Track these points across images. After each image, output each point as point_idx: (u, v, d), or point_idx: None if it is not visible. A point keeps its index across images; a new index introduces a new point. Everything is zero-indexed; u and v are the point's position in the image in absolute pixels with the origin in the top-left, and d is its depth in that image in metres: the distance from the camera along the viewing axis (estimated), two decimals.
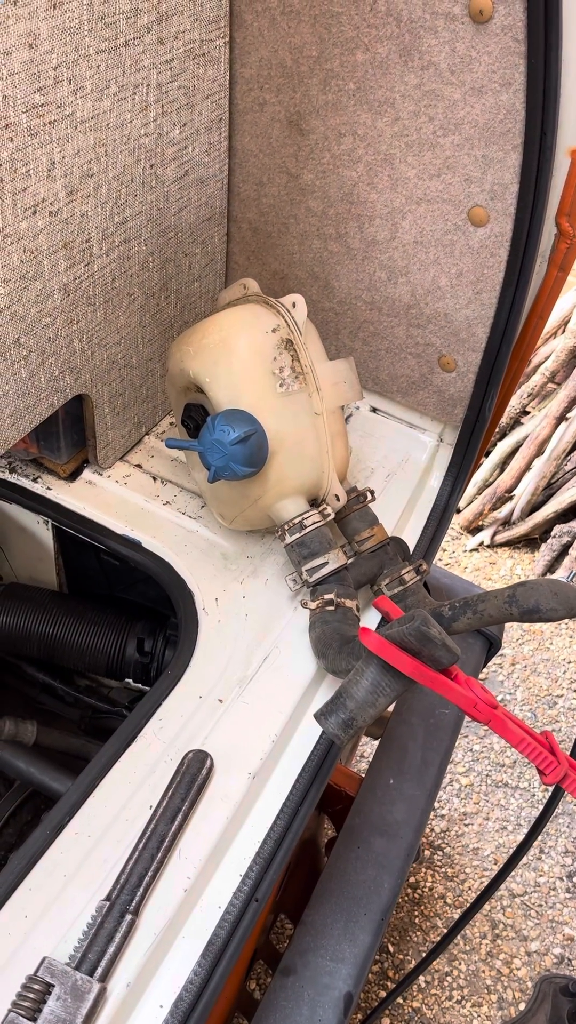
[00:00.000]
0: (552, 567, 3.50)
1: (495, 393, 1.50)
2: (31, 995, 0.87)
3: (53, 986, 0.88)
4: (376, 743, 1.94)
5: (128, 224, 1.32)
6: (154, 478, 1.53)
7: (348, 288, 1.58)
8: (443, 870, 2.59)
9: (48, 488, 1.47)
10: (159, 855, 1.01)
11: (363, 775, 1.55)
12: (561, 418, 3.50)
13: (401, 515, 1.52)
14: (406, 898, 2.52)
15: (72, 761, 1.45)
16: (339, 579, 1.28)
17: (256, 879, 1.03)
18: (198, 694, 1.20)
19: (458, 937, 2.43)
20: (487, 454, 3.74)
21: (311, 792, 1.12)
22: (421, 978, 2.37)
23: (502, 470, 3.72)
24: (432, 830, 2.68)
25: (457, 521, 3.76)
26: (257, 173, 1.55)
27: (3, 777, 1.43)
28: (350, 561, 1.32)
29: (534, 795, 2.79)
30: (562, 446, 3.46)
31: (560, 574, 3.45)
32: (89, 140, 1.16)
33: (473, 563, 3.62)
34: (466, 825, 2.71)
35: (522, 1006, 2.33)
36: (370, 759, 1.62)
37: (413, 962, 2.39)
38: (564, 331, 3.54)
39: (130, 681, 1.52)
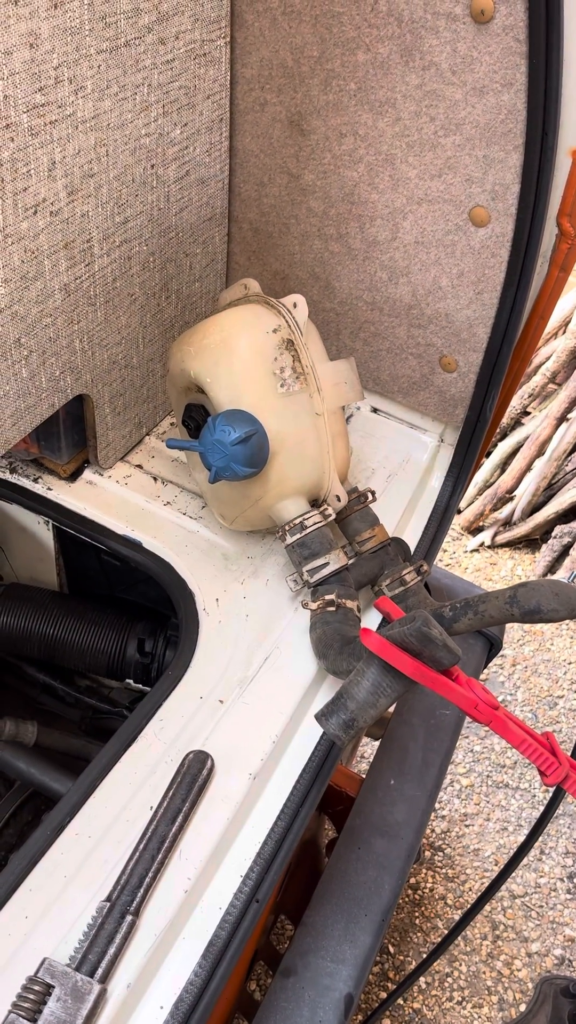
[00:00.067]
0: (553, 568, 3.50)
1: (496, 394, 1.50)
2: (31, 996, 0.87)
3: (53, 987, 0.88)
4: (377, 744, 1.94)
5: (129, 224, 1.31)
6: (155, 478, 1.53)
7: (349, 288, 1.58)
8: (444, 871, 2.59)
9: (49, 488, 1.46)
10: (160, 856, 1.01)
11: (364, 776, 1.55)
12: (562, 419, 3.49)
13: (402, 516, 1.52)
14: (407, 899, 2.52)
15: (73, 762, 1.45)
16: (340, 580, 1.27)
17: (257, 880, 1.03)
18: (199, 695, 1.20)
19: (459, 938, 2.43)
20: (488, 455, 3.74)
21: (312, 793, 1.12)
22: (422, 979, 2.36)
23: (503, 471, 3.72)
24: (433, 831, 2.68)
25: (458, 522, 3.76)
26: (258, 173, 1.54)
27: (4, 778, 1.43)
28: (351, 562, 1.32)
29: (535, 796, 2.79)
30: (563, 447, 3.46)
31: (561, 575, 3.45)
32: (90, 140, 1.16)
33: (474, 564, 3.62)
34: (467, 826, 2.70)
35: (523, 1007, 2.33)
36: (371, 760, 1.62)
37: (414, 963, 2.39)
38: (565, 331, 3.54)
39: (131, 682, 1.52)
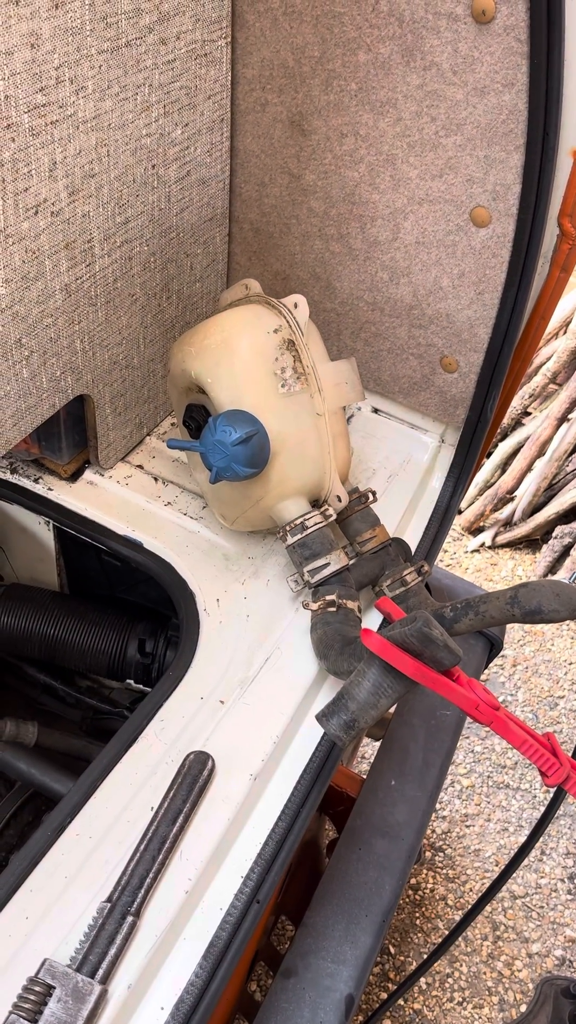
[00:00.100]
0: (553, 568, 3.50)
1: (497, 394, 1.50)
2: (32, 997, 0.87)
3: (54, 988, 0.88)
4: (377, 744, 1.94)
5: (130, 224, 1.31)
6: (155, 479, 1.53)
7: (350, 289, 1.58)
8: (444, 872, 2.59)
9: (49, 489, 1.46)
10: (160, 856, 1.01)
11: (364, 776, 1.55)
12: (563, 419, 3.49)
13: (403, 516, 1.52)
14: (407, 900, 2.52)
15: (73, 762, 1.45)
16: (341, 580, 1.27)
17: (257, 881, 1.02)
18: (199, 695, 1.20)
19: (459, 939, 2.43)
20: (488, 455, 3.74)
21: (312, 793, 1.12)
22: (422, 980, 2.36)
23: (503, 471, 3.72)
24: (433, 831, 2.68)
25: (458, 522, 3.76)
26: (259, 173, 1.54)
27: (4, 778, 1.43)
28: (352, 562, 1.32)
29: (535, 797, 2.79)
30: (563, 447, 3.46)
31: (561, 575, 3.45)
32: (91, 140, 1.16)
33: (474, 564, 3.62)
34: (467, 826, 2.70)
35: (523, 1008, 2.32)
36: (371, 760, 1.62)
37: (414, 964, 2.39)
38: (566, 332, 3.54)
39: (131, 682, 1.52)
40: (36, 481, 1.47)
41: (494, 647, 1.79)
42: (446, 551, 3.68)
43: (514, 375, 1.54)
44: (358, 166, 1.43)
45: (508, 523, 3.65)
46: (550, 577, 3.50)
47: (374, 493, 1.40)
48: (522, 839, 2.68)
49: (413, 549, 1.46)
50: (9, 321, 1.14)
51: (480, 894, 1.81)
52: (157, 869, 1.00)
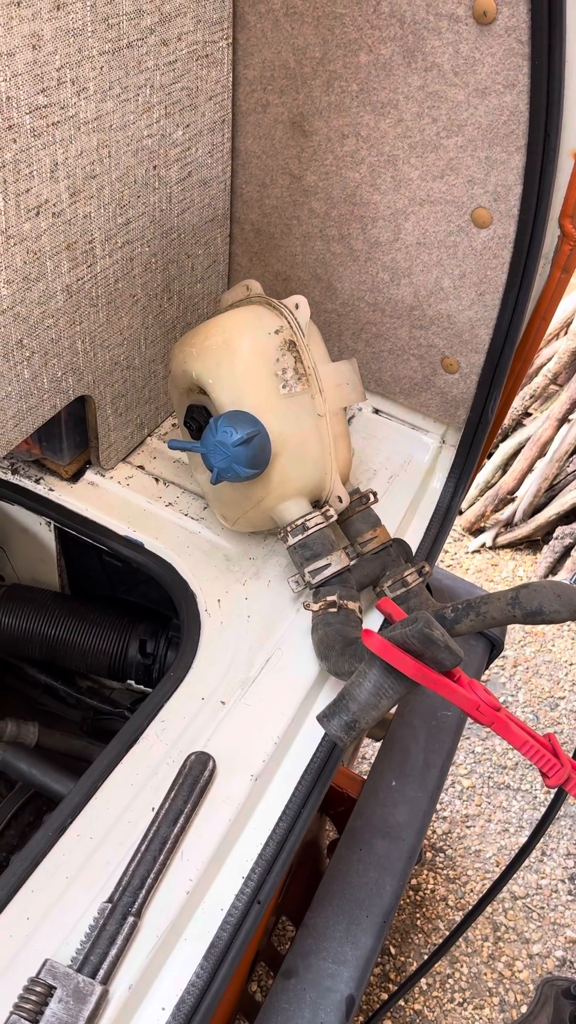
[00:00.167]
0: (554, 569, 3.50)
1: (498, 395, 1.50)
2: (33, 997, 0.87)
3: (55, 988, 0.88)
4: (378, 745, 1.94)
5: (131, 225, 1.32)
6: (156, 479, 1.53)
7: (351, 289, 1.58)
8: (445, 872, 2.59)
9: (50, 489, 1.47)
10: (161, 857, 1.01)
11: (365, 777, 1.55)
12: (563, 420, 3.49)
13: (403, 517, 1.52)
14: (408, 900, 2.52)
15: (74, 763, 1.45)
16: (342, 581, 1.27)
17: (258, 881, 1.03)
18: (200, 696, 1.20)
19: (460, 939, 2.43)
20: (489, 456, 3.74)
21: (313, 794, 1.12)
22: (423, 980, 2.36)
23: (504, 472, 3.71)
24: (434, 832, 2.68)
25: (459, 523, 3.76)
26: (260, 174, 1.55)
27: (5, 779, 1.43)
28: (353, 563, 1.32)
29: (536, 797, 2.78)
30: (564, 448, 3.46)
31: (562, 576, 3.45)
32: (92, 141, 1.16)
33: (475, 565, 3.62)
34: (468, 827, 2.70)
35: (524, 1009, 2.32)
36: (372, 761, 1.62)
37: (415, 964, 2.39)
38: (567, 333, 3.54)
39: (132, 682, 1.52)
40: (37, 482, 1.47)
41: (495, 648, 1.79)
42: (447, 552, 3.68)
43: (515, 376, 1.54)
44: (359, 167, 1.43)
45: (509, 524, 3.65)
46: (551, 578, 3.50)
47: (375, 494, 1.40)
48: (523, 840, 2.67)
49: (414, 550, 1.46)
50: (10, 322, 1.14)
51: (481, 895, 1.81)
52: (158, 870, 1.00)
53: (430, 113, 1.31)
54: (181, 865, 1.02)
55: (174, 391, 1.40)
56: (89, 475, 1.50)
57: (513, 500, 3.67)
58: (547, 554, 3.50)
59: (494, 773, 2.84)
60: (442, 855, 2.63)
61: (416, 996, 2.34)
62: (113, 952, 0.92)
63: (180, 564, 1.38)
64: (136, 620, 1.52)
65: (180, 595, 1.34)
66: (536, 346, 1.52)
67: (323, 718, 1.01)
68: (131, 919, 0.95)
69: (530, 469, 3.60)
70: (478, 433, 1.55)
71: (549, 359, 3.56)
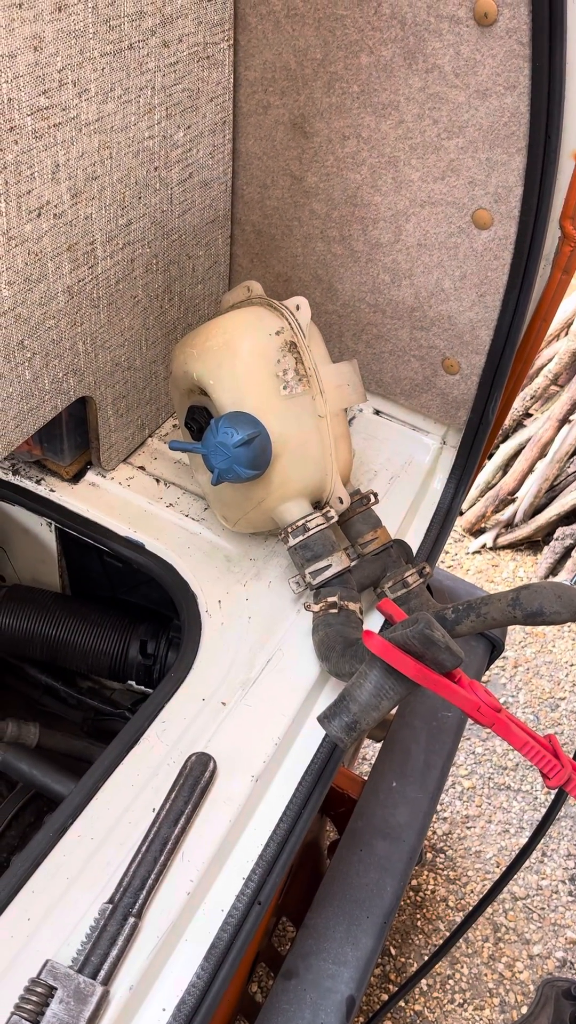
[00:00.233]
0: (555, 570, 3.50)
1: (498, 396, 1.50)
2: (34, 998, 0.87)
3: (56, 989, 0.88)
4: (379, 746, 1.94)
5: (132, 226, 1.32)
6: (157, 480, 1.53)
7: (352, 291, 1.58)
8: (445, 873, 2.59)
9: (51, 490, 1.47)
10: (162, 858, 1.01)
11: (365, 778, 1.55)
12: (564, 420, 3.49)
13: (404, 518, 1.52)
14: (408, 901, 2.52)
15: (75, 763, 1.45)
16: (342, 582, 1.28)
17: (259, 882, 1.03)
18: (201, 696, 1.20)
19: (460, 940, 2.43)
20: (490, 456, 3.74)
21: (314, 795, 1.12)
22: (423, 981, 2.36)
23: (505, 472, 3.72)
24: (434, 833, 2.68)
25: (460, 523, 3.76)
26: (261, 176, 1.55)
27: (6, 779, 1.43)
28: (353, 564, 1.32)
29: (536, 798, 2.78)
30: (565, 448, 3.46)
31: (563, 577, 3.45)
32: (94, 143, 1.16)
33: (476, 565, 3.62)
34: (468, 828, 2.70)
35: (524, 1010, 2.32)
36: (372, 762, 1.62)
37: (415, 965, 2.39)
38: (567, 333, 3.54)
39: (133, 683, 1.52)
40: (38, 482, 1.47)
41: (495, 649, 1.79)
42: (447, 552, 3.69)
43: (516, 377, 1.54)
44: (360, 168, 1.43)
45: (509, 524, 3.65)
46: (551, 579, 3.50)
47: (376, 495, 1.40)
48: (523, 841, 2.67)
49: (415, 551, 1.46)
50: (12, 323, 1.15)
51: (481, 896, 1.81)
52: (159, 870, 1.00)
53: (431, 115, 1.31)
54: (182, 866, 1.02)
55: (175, 392, 1.40)
56: (90, 476, 1.50)
57: (514, 501, 3.67)
58: (548, 555, 3.50)
59: (494, 774, 2.84)
60: (442, 856, 2.63)
61: (416, 997, 2.34)
62: (114, 953, 0.92)
63: (181, 565, 1.38)
64: (137, 621, 1.52)
65: (181, 596, 1.34)
66: (537, 347, 1.52)
67: (324, 719, 1.01)
68: (132, 920, 0.95)
69: (531, 470, 3.60)
70: (479, 434, 1.56)
71: (550, 360, 3.56)
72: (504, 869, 1.28)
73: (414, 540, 1.49)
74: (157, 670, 1.50)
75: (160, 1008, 0.92)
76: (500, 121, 1.26)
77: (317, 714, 1.12)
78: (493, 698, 0.96)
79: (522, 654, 3.23)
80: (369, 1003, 2.29)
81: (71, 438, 1.45)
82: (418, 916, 2.49)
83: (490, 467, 3.74)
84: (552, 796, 2.74)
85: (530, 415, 3.71)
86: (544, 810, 2.60)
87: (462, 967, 2.40)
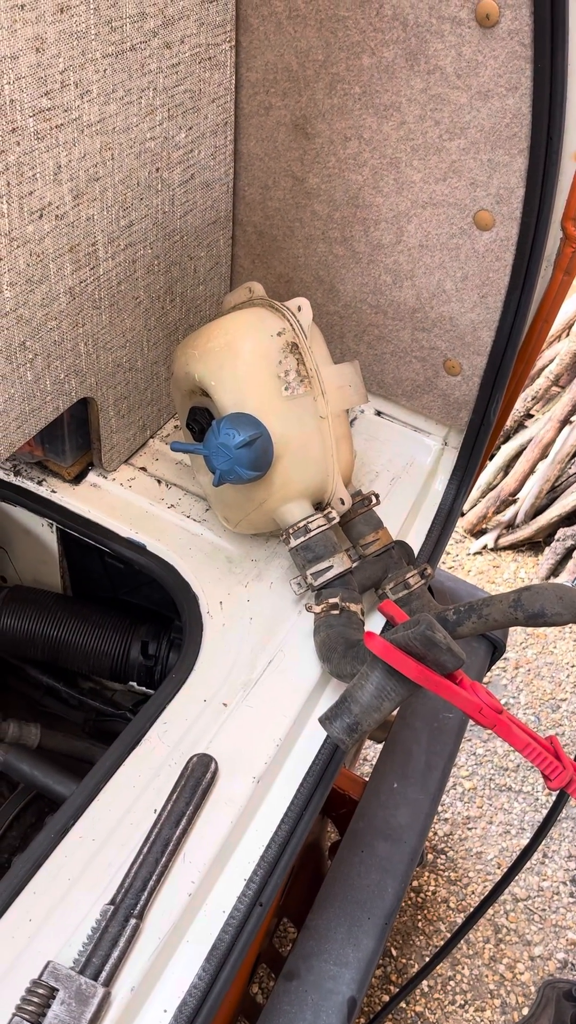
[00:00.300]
0: (556, 571, 3.50)
1: (500, 397, 1.50)
2: (35, 999, 0.87)
3: (57, 990, 0.88)
4: (380, 747, 1.94)
5: (134, 228, 1.32)
6: (159, 481, 1.53)
7: (353, 292, 1.58)
8: (446, 874, 2.59)
9: (53, 491, 1.47)
10: (163, 859, 1.01)
11: (367, 779, 1.55)
12: (565, 421, 3.49)
13: (406, 519, 1.52)
14: (409, 902, 2.51)
15: (76, 764, 1.45)
16: (344, 583, 1.27)
17: (260, 883, 1.03)
18: (202, 697, 1.20)
19: (461, 941, 2.43)
20: (491, 457, 3.74)
21: (315, 796, 1.12)
22: (424, 982, 2.36)
23: (506, 473, 3.71)
24: (435, 834, 2.68)
25: (461, 524, 3.76)
26: (262, 177, 1.55)
27: (7, 780, 1.43)
28: (355, 565, 1.32)
29: (537, 799, 2.78)
30: (566, 449, 3.46)
31: (564, 578, 3.44)
32: (95, 144, 1.16)
33: (477, 566, 3.62)
34: (469, 829, 2.70)
35: (525, 1011, 2.32)
36: (374, 763, 1.62)
37: (416, 966, 2.39)
38: (568, 334, 3.54)
39: (134, 684, 1.52)
40: (40, 483, 1.48)
41: (496, 650, 1.79)
42: (448, 553, 3.68)
43: (517, 378, 1.54)
44: (362, 169, 1.43)
45: (511, 525, 3.65)
46: (553, 580, 3.50)
47: (377, 496, 1.40)
48: (524, 842, 2.67)
49: (416, 552, 1.46)
50: (13, 324, 1.15)
51: (482, 897, 1.81)
52: (160, 872, 1.00)
53: (432, 116, 1.31)
54: (183, 867, 1.02)
55: (176, 393, 1.40)
56: (91, 477, 1.50)
57: (515, 502, 3.67)
58: (549, 556, 3.50)
59: (495, 775, 2.84)
60: (443, 857, 2.63)
61: (417, 998, 2.34)
62: (115, 954, 0.92)
63: (182, 566, 1.38)
64: (138, 622, 1.52)
65: (182, 597, 1.34)
66: (538, 348, 1.52)
67: (325, 720, 1.01)
68: (133, 921, 0.95)
69: (532, 471, 3.60)
70: (480, 435, 1.56)
71: (551, 361, 3.56)
72: (505, 870, 1.28)
73: (415, 541, 1.49)
74: (158, 671, 1.50)
75: (161, 1009, 0.92)
76: (502, 122, 1.26)
77: (318, 715, 1.12)
78: (494, 699, 0.96)
79: (523, 655, 3.23)
80: (370, 1004, 2.29)
81: (73, 439, 1.45)
82: (419, 917, 2.49)
83: (491, 468, 3.74)
84: (553, 797, 2.74)
85: (531, 416, 3.71)
86: (545, 811, 2.60)
87: (463, 968, 2.40)
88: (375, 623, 1.35)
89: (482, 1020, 2.31)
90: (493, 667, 2.97)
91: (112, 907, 0.96)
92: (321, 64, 1.37)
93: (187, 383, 1.32)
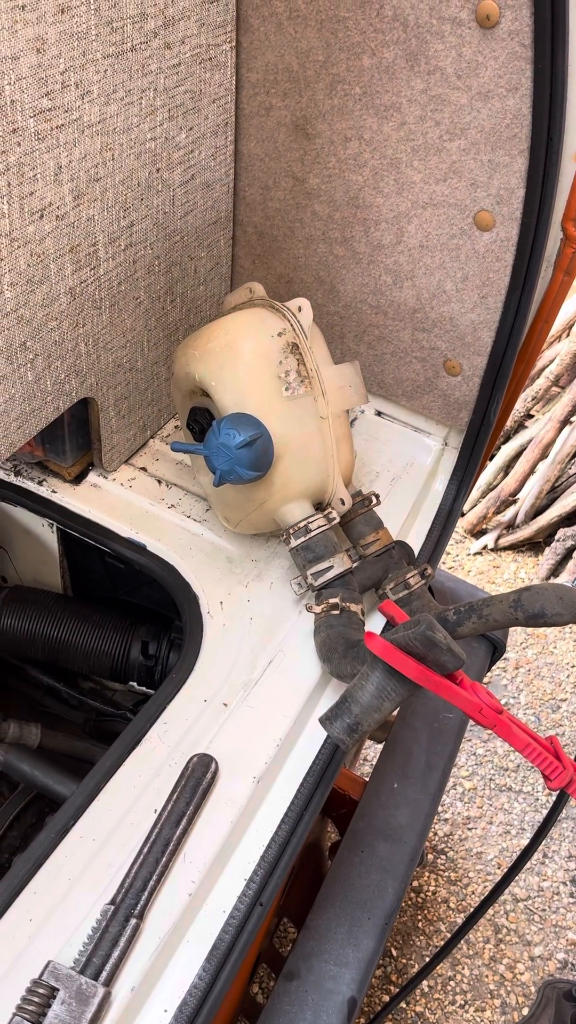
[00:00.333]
0: (556, 571, 3.50)
1: (500, 397, 1.50)
2: (36, 999, 0.87)
3: (58, 990, 0.88)
4: (380, 747, 1.94)
5: (134, 228, 1.32)
6: (159, 481, 1.53)
7: (354, 292, 1.58)
8: (446, 874, 2.59)
9: (53, 491, 1.47)
10: (164, 859, 1.01)
11: (367, 779, 1.55)
12: (565, 422, 3.49)
13: (406, 519, 1.52)
14: (409, 902, 2.52)
15: (76, 764, 1.45)
16: (344, 583, 1.28)
17: (261, 883, 1.03)
18: (203, 698, 1.20)
19: (461, 941, 2.43)
20: (491, 458, 3.74)
21: (316, 796, 1.12)
22: (424, 982, 2.36)
23: (506, 474, 3.72)
24: (436, 834, 2.68)
25: (461, 525, 3.76)
26: (263, 177, 1.55)
27: (7, 780, 1.43)
28: (355, 565, 1.32)
29: (538, 799, 2.78)
30: (566, 449, 3.46)
31: (564, 578, 3.44)
32: (96, 144, 1.16)
33: (477, 567, 3.62)
34: (469, 829, 2.70)
35: (525, 1011, 2.32)
36: (374, 763, 1.62)
37: (416, 966, 2.39)
38: (569, 335, 3.54)
39: (134, 684, 1.52)
40: (40, 483, 1.48)
41: (497, 650, 1.79)
42: (448, 554, 3.69)
43: (517, 378, 1.54)
44: (362, 170, 1.43)
45: (511, 526, 3.65)
46: (553, 580, 3.50)
47: (377, 496, 1.40)
48: (524, 842, 2.67)
49: (416, 552, 1.46)
50: (14, 324, 1.15)
51: (482, 897, 1.81)
52: (160, 871, 1.00)
53: (433, 116, 1.31)
54: (183, 867, 1.02)
55: (177, 393, 1.40)
56: (92, 477, 1.50)
57: (515, 502, 3.67)
58: (549, 556, 3.50)
59: (496, 775, 2.84)
60: (443, 857, 2.63)
61: (417, 998, 2.34)
62: (116, 954, 0.92)
63: (182, 566, 1.38)
64: (138, 622, 1.52)
65: (182, 597, 1.34)
66: (538, 349, 1.52)
67: (325, 720, 1.01)
68: (134, 921, 0.95)
69: (532, 471, 3.60)
70: (480, 435, 1.56)
71: (551, 361, 3.56)
72: (506, 870, 1.28)
73: (416, 541, 1.49)
74: (159, 671, 1.50)
75: (162, 1009, 0.92)
76: (502, 123, 1.26)
77: (319, 715, 1.12)
78: (494, 699, 0.96)
79: (523, 655, 3.23)
80: (370, 1004, 2.29)
81: (73, 439, 1.45)
82: (419, 917, 2.49)
83: (491, 468, 3.74)
84: (553, 798, 2.74)
85: (531, 416, 3.71)
86: (545, 812, 2.60)
87: (463, 968, 2.40)
88: (375, 623, 1.35)
89: (482, 1020, 2.31)
90: (493, 667, 2.97)
91: (112, 907, 0.96)
92: (321, 65, 1.37)
93: (187, 383, 1.32)
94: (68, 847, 1.02)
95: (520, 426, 3.73)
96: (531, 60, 1.19)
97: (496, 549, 3.69)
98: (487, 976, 2.39)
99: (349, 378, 1.32)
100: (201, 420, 1.33)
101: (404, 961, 2.39)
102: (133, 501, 1.48)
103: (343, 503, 1.35)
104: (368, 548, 1.36)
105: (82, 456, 1.49)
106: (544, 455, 3.56)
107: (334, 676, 1.22)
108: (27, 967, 0.92)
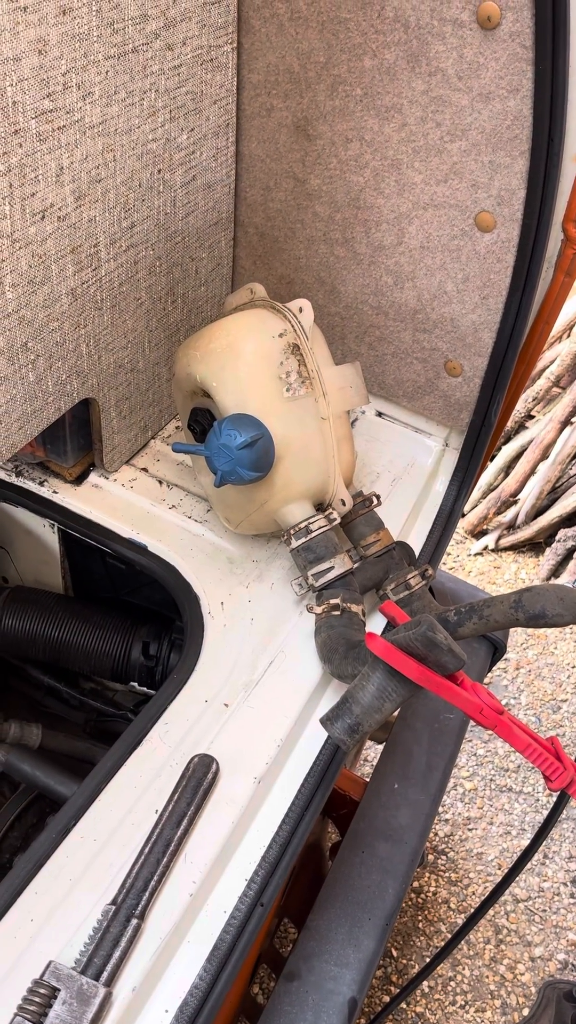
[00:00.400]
0: (557, 571, 3.50)
1: (501, 398, 1.50)
2: (37, 999, 0.87)
3: (59, 990, 0.89)
4: (381, 747, 1.94)
5: (135, 229, 1.32)
6: (160, 482, 1.53)
7: (354, 293, 1.58)
8: (447, 875, 2.59)
9: (54, 492, 1.47)
10: (165, 859, 1.01)
11: (368, 780, 1.55)
12: (566, 422, 3.49)
13: (407, 519, 1.52)
14: (410, 903, 2.52)
15: (77, 764, 1.45)
16: (345, 584, 1.28)
17: (261, 884, 1.03)
18: (203, 698, 1.20)
19: (462, 942, 2.43)
20: (492, 458, 3.74)
21: (316, 797, 1.12)
22: (425, 983, 2.36)
23: (507, 474, 3.72)
24: (436, 834, 2.68)
25: (461, 525, 3.76)
26: (264, 178, 1.55)
27: (8, 780, 1.43)
28: (356, 566, 1.32)
29: (538, 800, 2.78)
30: (567, 450, 3.46)
31: (565, 579, 3.44)
32: (97, 145, 1.17)
33: (477, 567, 3.62)
34: (470, 830, 2.70)
35: (526, 1012, 2.32)
36: (374, 763, 1.62)
37: (417, 967, 2.39)
38: (569, 335, 3.54)
39: (135, 685, 1.53)
40: (41, 484, 1.48)
41: (497, 651, 1.79)
42: (449, 554, 3.69)
43: (518, 379, 1.54)
44: (363, 171, 1.43)
45: (511, 526, 3.65)
46: (553, 580, 3.50)
47: (378, 497, 1.40)
48: (524, 842, 2.67)
49: (417, 553, 1.47)
50: (15, 325, 1.15)
51: (483, 898, 1.81)
52: (161, 872, 1.00)
53: (434, 117, 1.31)
54: (184, 867, 1.02)
55: (178, 394, 1.40)
56: (93, 478, 1.51)
57: (516, 503, 3.67)
58: (550, 557, 3.50)
59: (496, 776, 2.84)
60: (444, 858, 2.63)
61: (418, 999, 2.34)
62: (116, 954, 0.92)
63: (183, 567, 1.38)
64: (139, 622, 1.52)
65: (183, 598, 1.34)
66: (539, 349, 1.52)
67: (326, 721, 1.01)
68: (135, 921, 0.95)
69: (533, 472, 3.60)
70: (481, 436, 1.56)
71: (552, 362, 3.56)
72: (506, 871, 1.28)
73: (416, 542, 1.49)
74: (159, 671, 1.50)
75: (163, 1009, 0.92)
76: (503, 124, 1.26)
77: (319, 716, 1.12)
78: (495, 700, 0.96)
79: (524, 656, 3.23)
80: (371, 1005, 2.29)
81: (74, 440, 1.45)
82: (420, 918, 2.49)
83: (492, 469, 3.74)
84: (554, 798, 2.74)
85: (532, 417, 3.72)
86: (546, 812, 2.60)
87: (464, 969, 2.40)
88: (376, 624, 1.36)
89: (482, 1021, 2.31)
90: (494, 668, 2.98)
91: (113, 907, 0.96)
92: (323, 66, 1.37)
93: (189, 384, 1.33)
94: (69, 847, 1.02)
95: (521, 427, 3.73)
96: (532, 61, 1.19)
97: (497, 550, 3.69)
98: (487, 977, 2.39)
99: (350, 379, 1.33)
100: (202, 421, 1.33)
101: (404, 962, 2.39)
102: (134, 502, 1.48)
103: (344, 504, 1.35)
104: (369, 549, 1.36)
105: (83, 457, 1.49)
106: (545, 456, 3.56)
107: (335, 677, 1.23)
108: (28, 967, 0.92)
